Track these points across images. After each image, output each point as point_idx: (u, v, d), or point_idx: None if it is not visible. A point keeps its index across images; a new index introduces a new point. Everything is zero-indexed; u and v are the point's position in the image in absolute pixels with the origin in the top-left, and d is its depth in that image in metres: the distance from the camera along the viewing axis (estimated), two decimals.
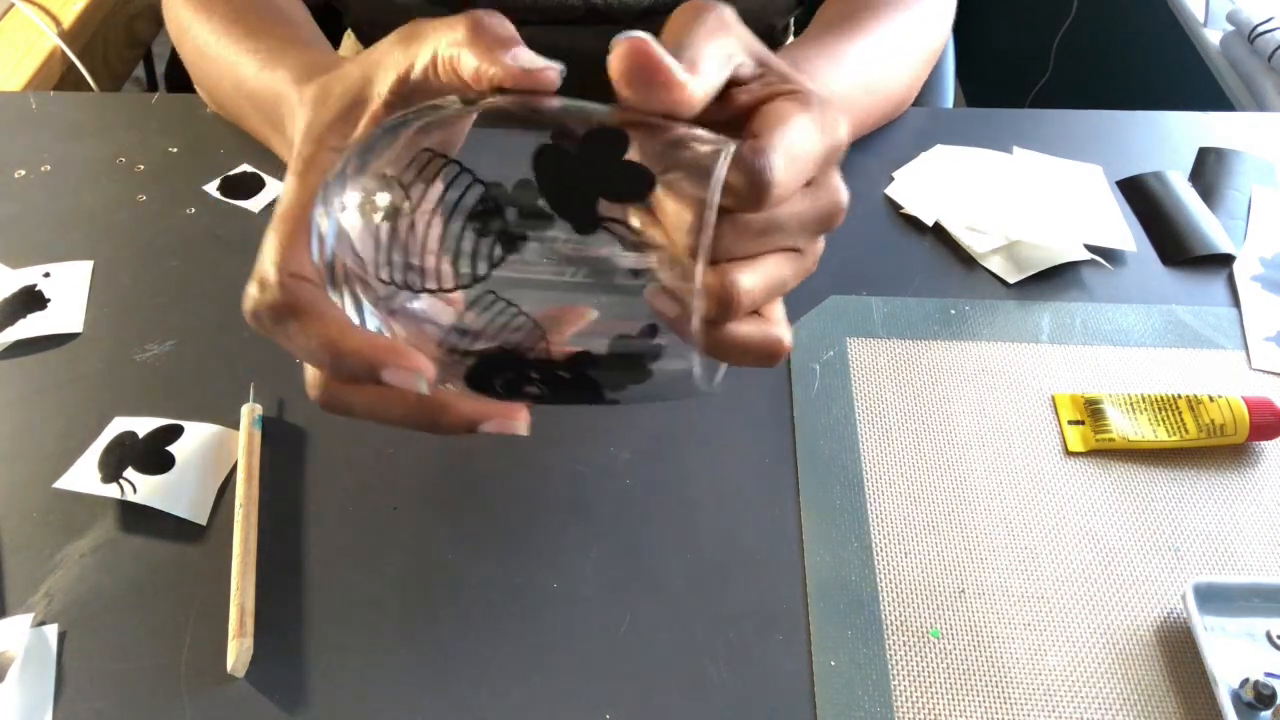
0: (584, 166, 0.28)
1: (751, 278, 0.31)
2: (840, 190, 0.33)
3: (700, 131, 0.30)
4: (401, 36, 0.33)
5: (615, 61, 0.29)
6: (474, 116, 0.31)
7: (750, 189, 0.29)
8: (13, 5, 0.91)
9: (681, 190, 0.29)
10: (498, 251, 0.29)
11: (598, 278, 0.29)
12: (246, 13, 0.54)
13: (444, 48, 0.32)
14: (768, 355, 0.32)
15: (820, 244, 0.34)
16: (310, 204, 0.32)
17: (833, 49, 0.54)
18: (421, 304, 0.31)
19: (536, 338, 0.30)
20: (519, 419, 0.34)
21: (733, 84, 0.33)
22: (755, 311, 0.32)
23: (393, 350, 0.30)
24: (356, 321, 0.32)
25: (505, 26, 0.32)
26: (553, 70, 0.31)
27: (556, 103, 0.31)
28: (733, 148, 0.29)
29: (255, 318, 0.32)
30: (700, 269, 0.28)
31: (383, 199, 0.30)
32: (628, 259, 0.29)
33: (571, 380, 0.31)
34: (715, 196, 0.28)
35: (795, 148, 0.30)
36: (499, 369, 0.31)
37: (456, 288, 0.30)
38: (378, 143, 0.31)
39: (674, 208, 0.29)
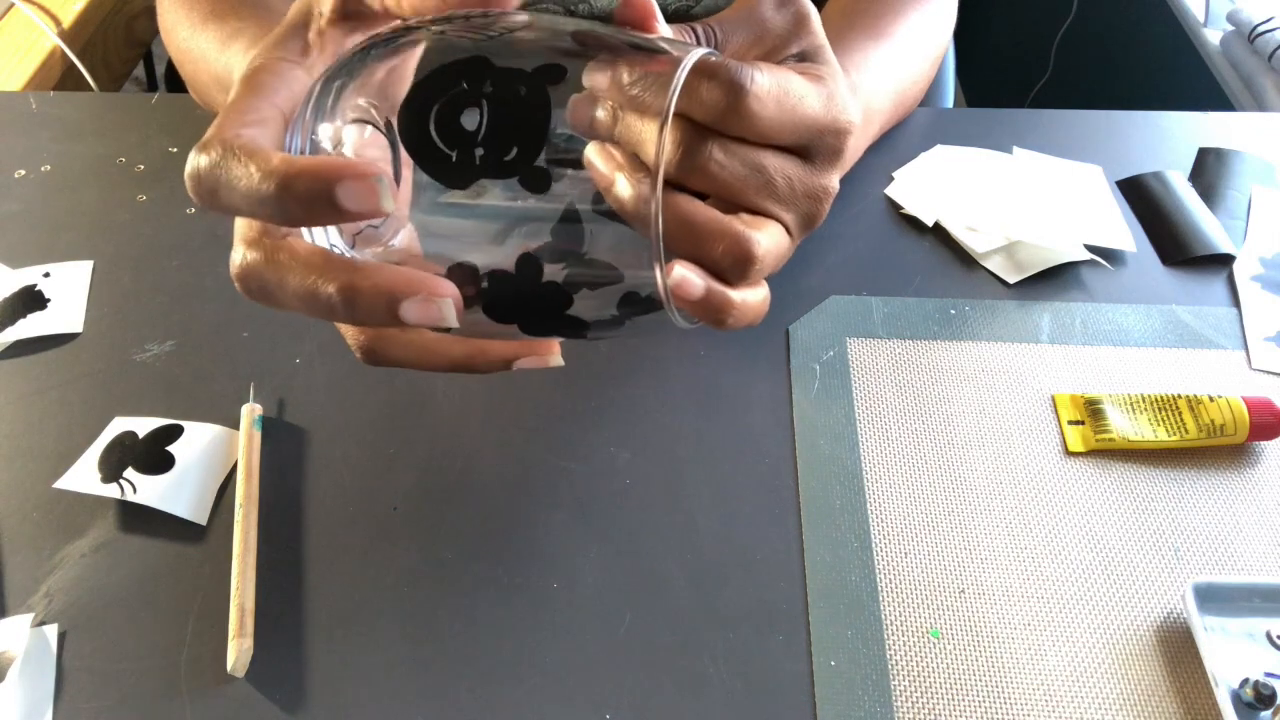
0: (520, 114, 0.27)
1: (767, 238, 0.30)
2: (833, 181, 0.32)
3: (670, 44, 0.29)
4: None
5: None
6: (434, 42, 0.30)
7: (726, 93, 0.28)
8: (13, 5, 0.91)
9: (644, 105, 0.27)
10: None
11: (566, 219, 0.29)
12: (223, 7, 0.55)
13: None
14: (755, 320, 0.31)
15: (803, 235, 0.33)
16: (257, 93, 0.30)
17: (869, 56, 0.54)
18: (403, 237, 0.30)
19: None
20: (445, 294, 0.29)
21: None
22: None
23: (348, 163, 0.26)
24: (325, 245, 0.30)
25: None
26: None
27: (520, 24, 0.30)
28: (699, 52, 0.28)
29: (196, 181, 0.28)
30: (657, 188, 0.27)
31: (353, 132, 0.29)
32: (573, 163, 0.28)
33: (543, 304, 0.30)
34: (672, 97, 0.26)
35: (788, 86, 0.29)
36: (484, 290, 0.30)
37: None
38: (353, 67, 0.30)
39: (633, 120, 0.28)
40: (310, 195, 0.26)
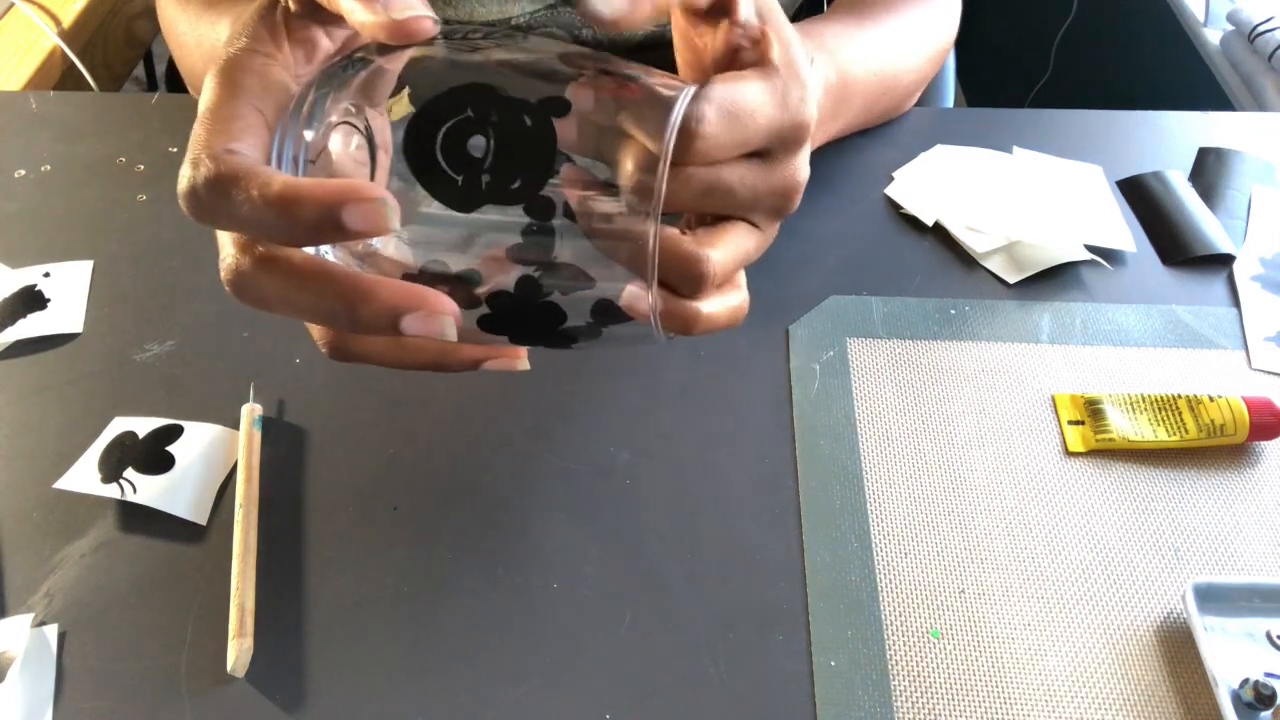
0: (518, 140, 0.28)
1: (722, 251, 0.31)
2: (799, 171, 0.32)
3: (659, 77, 0.30)
4: None
5: None
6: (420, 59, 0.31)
7: (677, 137, 0.28)
8: (13, 5, 0.91)
9: (633, 135, 0.28)
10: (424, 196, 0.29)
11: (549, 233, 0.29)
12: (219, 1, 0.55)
13: None
14: (731, 323, 0.33)
15: (778, 222, 0.34)
16: (237, 95, 0.30)
17: (851, 33, 0.55)
18: (390, 244, 0.30)
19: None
20: (445, 312, 0.29)
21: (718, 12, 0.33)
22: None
23: (352, 185, 0.27)
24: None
25: None
26: (426, 20, 0.30)
27: (505, 55, 0.30)
28: (692, 90, 0.29)
29: (191, 197, 0.28)
30: (655, 218, 0.28)
31: (338, 138, 0.29)
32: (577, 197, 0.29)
33: (521, 317, 0.31)
34: (669, 140, 0.28)
35: (737, 107, 0.30)
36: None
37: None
38: (339, 76, 0.31)
39: (626, 154, 0.29)
40: (316, 220, 0.26)
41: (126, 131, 0.61)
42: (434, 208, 0.29)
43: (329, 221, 0.26)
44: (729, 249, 0.31)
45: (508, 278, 0.30)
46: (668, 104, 0.29)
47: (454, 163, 0.28)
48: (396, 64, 0.30)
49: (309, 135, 0.30)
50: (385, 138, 0.30)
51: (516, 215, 0.29)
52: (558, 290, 0.30)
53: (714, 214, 0.32)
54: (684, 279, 0.31)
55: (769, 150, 0.32)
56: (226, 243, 0.30)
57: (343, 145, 0.30)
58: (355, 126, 0.30)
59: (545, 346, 0.33)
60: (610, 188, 0.29)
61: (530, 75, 0.30)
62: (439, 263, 0.30)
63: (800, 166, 0.33)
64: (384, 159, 0.30)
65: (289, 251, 0.29)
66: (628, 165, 0.29)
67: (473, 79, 0.29)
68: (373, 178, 0.30)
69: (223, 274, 0.30)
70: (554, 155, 0.29)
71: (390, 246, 0.30)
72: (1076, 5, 1.59)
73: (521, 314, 0.30)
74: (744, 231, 0.32)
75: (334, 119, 0.30)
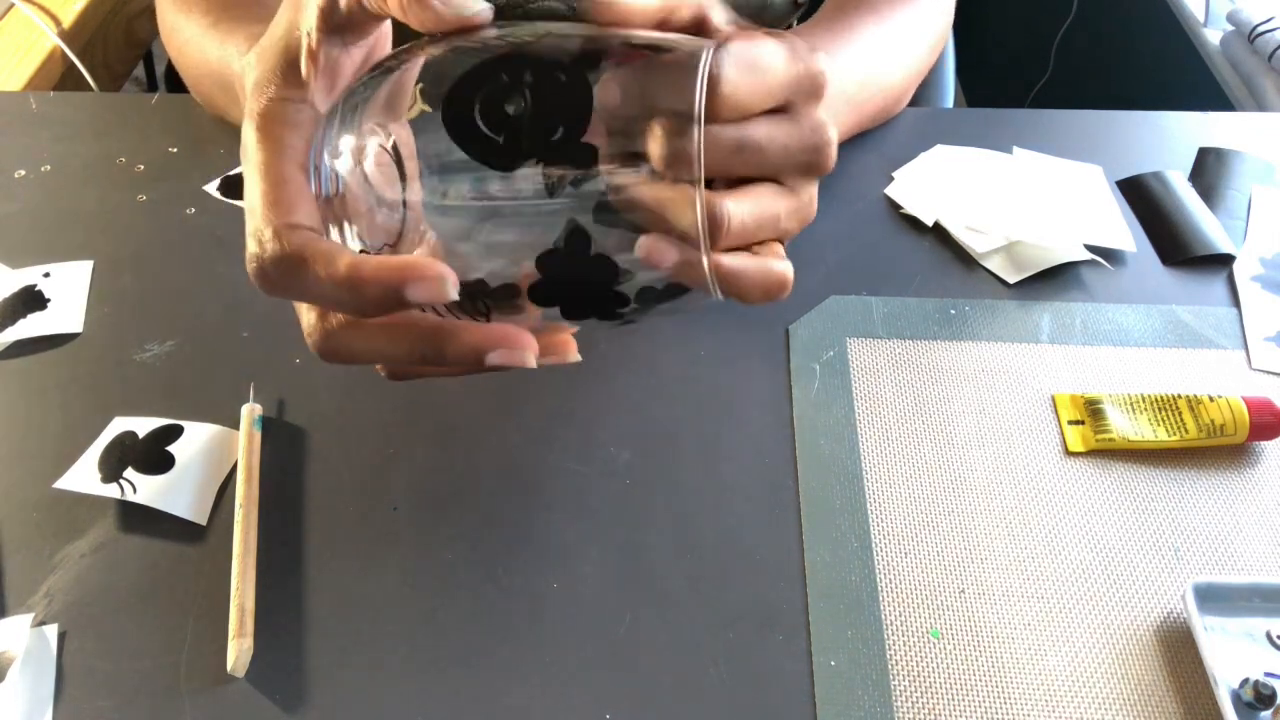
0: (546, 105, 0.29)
1: (737, 204, 0.31)
2: (824, 126, 0.33)
3: (674, 41, 0.31)
4: None
5: None
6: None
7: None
8: (13, 5, 0.91)
9: (659, 103, 0.29)
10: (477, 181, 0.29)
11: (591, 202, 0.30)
12: (219, 5, 0.55)
13: None
14: (766, 290, 0.32)
15: (814, 187, 0.34)
16: (282, 155, 0.32)
17: (835, 40, 0.55)
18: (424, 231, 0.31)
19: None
20: (527, 348, 0.32)
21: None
22: (752, 249, 0.32)
23: (412, 264, 0.29)
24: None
25: None
26: (484, 10, 0.31)
27: (526, 32, 0.31)
28: (712, 45, 0.29)
29: (261, 275, 0.31)
30: (699, 163, 0.28)
31: (376, 141, 0.30)
32: (613, 179, 0.29)
33: (595, 277, 0.31)
34: (700, 98, 0.28)
35: (754, 59, 0.30)
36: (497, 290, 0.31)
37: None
38: (369, 86, 0.31)
39: (657, 119, 0.29)
40: (381, 298, 0.29)
41: (126, 131, 0.61)
42: (468, 196, 0.29)
43: (394, 298, 0.29)
44: (748, 203, 0.31)
45: (556, 233, 0.30)
46: (693, 61, 0.29)
47: (493, 125, 0.29)
48: (412, 73, 0.31)
49: (340, 165, 0.30)
50: (410, 146, 0.31)
51: (557, 172, 0.29)
52: (609, 243, 0.30)
53: (747, 178, 0.32)
54: (705, 229, 0.30)
55: (791, 104, 0.32)
56: (305, 311, 0.33)
57: (374, 160, 0.31)
58: (383, 146, 0.31)
59: (597, 317, 0.32)
60: (640, 157, 0.29)
61: (556, 49, 0.30)
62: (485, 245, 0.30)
63: (825, 121, 0.33)
64: (411, 166, 0.31)
65: (356, 261, 0.31)
66: (659, 129, 0.29)
67: (503, 54, 0.30)
68: (403, 183, 0.30)
69: (308, 341, 0.33)
70: (591, 104, 0.29)
71: (425, 245, 0.31)
72: (1076, 5, 1.59)
73: (572, 272, 0.30)
74: (770, 191, 0.32)
75: (360, 138, 0.31)
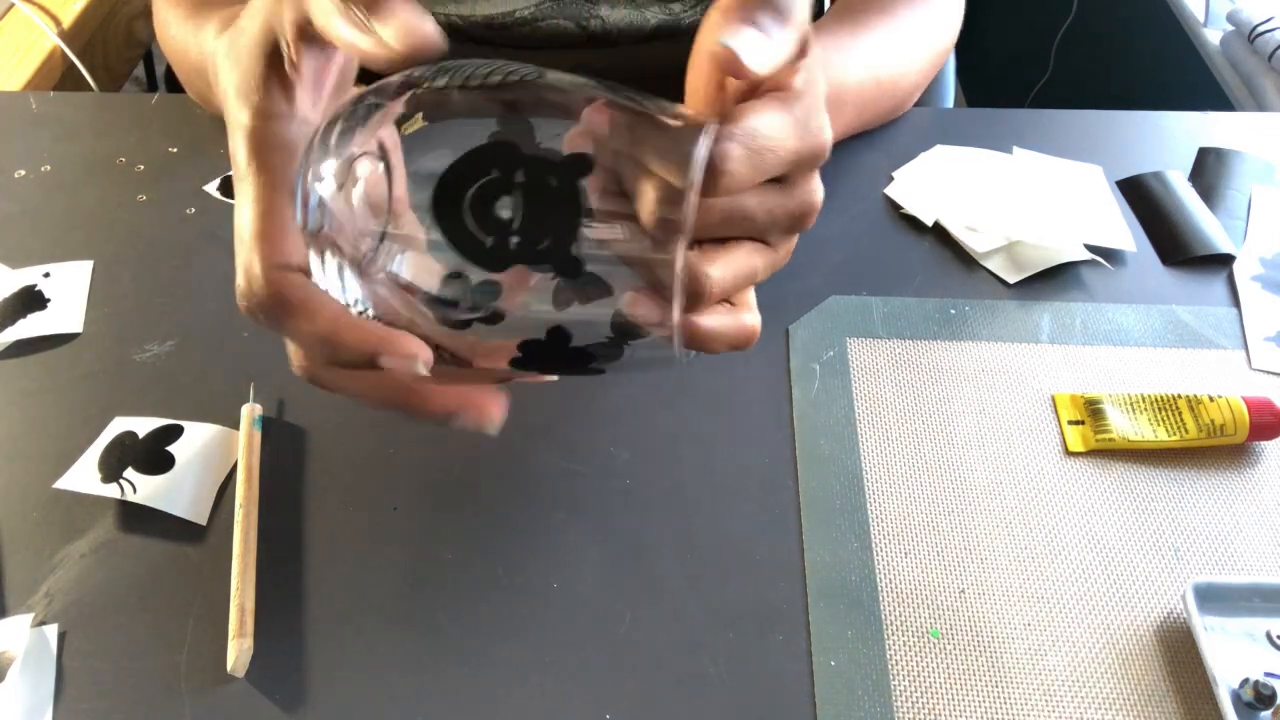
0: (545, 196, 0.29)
1: (720, 268, 0.31)
2: (816, 193, 0.33)
3: (677, 109, 0.31)
4: None
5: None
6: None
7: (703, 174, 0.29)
8: (13, 5, 0.91)
9: (655, 171, 0.29)
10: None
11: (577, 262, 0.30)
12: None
13: (318, 15, 0.31)
14: (735, 344, 0.33)
15: (793, 240, 0.34)
16: (275, 185, 0.32)
17: (843, 39, 0.55)
18: (404, 268, 0.31)
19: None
20: (492, 417, 0.34)
21: None
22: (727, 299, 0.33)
23: (388, 338, 0.30)
24: (339, 286, 0.31)
25: None
26: (432, 40, 0.30)
27: (527, 89, 0.31)
28: (714, 128, 0.29)
29: (250, 314, 0.32)
30: (681, 251, 0.28)
31: (363, 170, 0.30)
32: (601, 242, 0.30)
33: (544, 346, 0.31)
34: (696, 176, 0.28)
35: (760, 141, 0.30)
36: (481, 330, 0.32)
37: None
38: (355, 113, 0.31)
39: (648, 189, 0.29)
40: (356, 360, 0.31)
41: (126, 132, 0.61)
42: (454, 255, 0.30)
43: (367, 362, 0.30)
44: (730, 266, 0.31)
45: (538, 313, 0.31)
46: (691, 142, 0.29)
47: (483, 224, 0.29)
48: (396, 107, 0.31)
49: (323, 190, 0.31)
50: (399, 172, 0.31)
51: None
52: (589, 336, 0.31)
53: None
54: (686, 293, 0.31)
55: (787, 177, 0.32)
56: (291, 346, 0.34)
57: (361, 179, 0.31)
58: (371, 160, 0.31)
59: (569, 375, 0.34)
60: (630, 219, 0.30)
61: (549, 116, 0.30)
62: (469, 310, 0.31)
63: (816, 187, 0.33)
64: (400, 190, 0.31)
65: (332, 315, 0.31)
66: (650, 199, 0.29)
67: (493, 133, 0.30)
68: (390, 210, 0.31)
69: (292, 367, 0.34)
70: (580, 216, 0.29)
71: (407, 268, 0.31)
72: (1076, 5, 1.59)
73: (553, 360, 0.32)
74: (749, 250, 0.32)
75: (348, 159, 0.31)
